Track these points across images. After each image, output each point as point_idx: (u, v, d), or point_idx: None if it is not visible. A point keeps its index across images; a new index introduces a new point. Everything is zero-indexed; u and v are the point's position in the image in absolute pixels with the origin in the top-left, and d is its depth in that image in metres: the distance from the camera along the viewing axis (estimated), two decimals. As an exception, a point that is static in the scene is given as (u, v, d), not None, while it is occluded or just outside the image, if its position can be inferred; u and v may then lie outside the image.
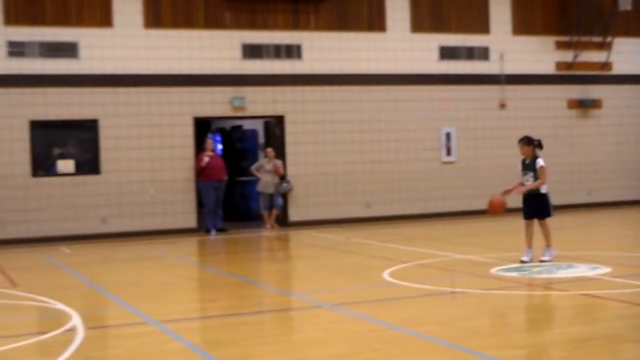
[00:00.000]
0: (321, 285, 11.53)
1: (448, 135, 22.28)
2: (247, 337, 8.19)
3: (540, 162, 12.30)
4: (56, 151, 19.21)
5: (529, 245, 12.39)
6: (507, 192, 12.55)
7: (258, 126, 23.10)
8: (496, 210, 12.51)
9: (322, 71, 21.00)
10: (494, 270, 11.82)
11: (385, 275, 11.70)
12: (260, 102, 20.54)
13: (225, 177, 19.96)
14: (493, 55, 22.64)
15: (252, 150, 23.36)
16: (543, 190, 12.36)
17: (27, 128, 18.67)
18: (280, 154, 20.69)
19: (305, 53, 20.86)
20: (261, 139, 23.08)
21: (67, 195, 18.94)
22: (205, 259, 16.48)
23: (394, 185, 21.68)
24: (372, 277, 11.76)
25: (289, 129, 20.78)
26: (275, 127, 21.23)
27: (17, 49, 18.61)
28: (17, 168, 18.56)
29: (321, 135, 21.02)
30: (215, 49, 20.09)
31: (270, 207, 20.43)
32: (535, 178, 12.33)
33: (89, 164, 19.32)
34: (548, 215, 12.38)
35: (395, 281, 11.14)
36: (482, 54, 22.56)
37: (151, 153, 19.55)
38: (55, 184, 18.90)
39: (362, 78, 21.33)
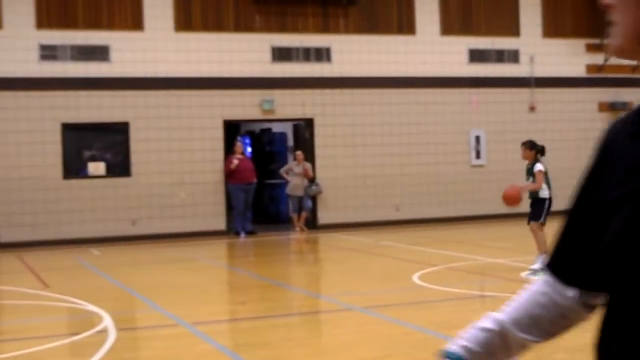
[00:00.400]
0: (351, 288, 11.54)
1: (477, 138, 22.21)
2: (277, 340, 8.22)
3: (538, 166, 12.14)
4: (87, 154, 19.37)
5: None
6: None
7: (287, 129, 23.14)
8: (512, 201, 12.08)
9: (352, 74, 21.01)
10: (524, 274, 11.77)
11: (415, 278, 11.69)
12: (290, 105, 20.58)
13: (255, 180, 20.01)
14: (523, 58, 22.54)
15: (281, 153, 23.41)
16: (543, 195, 12.16)
17: (59, 131, 18.83)
18: (310, 156, 20.72)
19: (334, 56, 20.88)
20: (290, 141, 23.12)
21: (97, 198, 19.08)
22: (235, 261, 16.54)
23: (423, 188, 21.63)
24: (402, 280, 11.75)
25: (318, 131, 20.80)
26: (304, 130, 21.26)
27: (49, 52, 18.78)
28: (49, 170, 18.72)
29: (350, 138, 21.02)
30: (245, 52, 20.16)
31: (300, 210, 20.46)
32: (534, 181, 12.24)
33: (119, 167, 19.45)
34: (535, 220, 12.01)
35: (425, 284, 11.13)
36: (512, 56, 22.47)
37: (181, 156, 19.65)
38: (86, 186, 19.05)
39: (392, 81, 21.31)
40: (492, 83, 22.20)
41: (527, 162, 12.43)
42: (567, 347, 7.60)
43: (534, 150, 12.29)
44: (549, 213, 11.92)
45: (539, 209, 12.01)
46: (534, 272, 11.43)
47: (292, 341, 8.23)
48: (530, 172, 12.25)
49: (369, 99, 21.16)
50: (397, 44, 21.41)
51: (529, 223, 12.26)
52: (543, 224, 11.90)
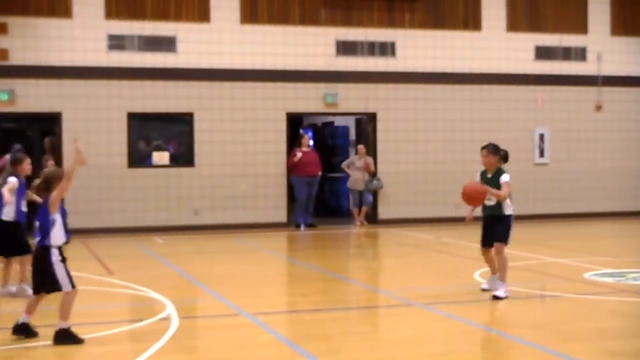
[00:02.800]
0: (411, 283, 11.52)
1: (542, 137, 21.97)
2: (337, 333, 8.25)
3: (505, 177, 10.02)
4: (152, 143, 19.62)
5: (493, 270, 10.37)
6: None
7: (349, 123, 23.16)
8: (474, 200, 10.05)
9: (416, 69, 20.93)
10: (587, 275, 11.64)
11: (477, 276, 11.62)
12: (353, 99, 20.59)
13: (319, 173, 20.05)
14: (590, 55, 22.22)
15: (343, 146, 23.44)
16: (507, 211, 10.05)
17: (125, 120, 19.10)
18: (371, 151, 20.71)
19: (399, 51, 20.82)
20: (352, 135, 23.14)
21: (161, 187, 19.32)
22: (295, 253, 16.62)
23: (485, 186, 21.44)
24: (463, 278, 11.70)
25: (380, 126, 20.78)
26: (367, 124, 21.25)
27: (117, 42, 19.05)
28: (114, 158, 19.01)
29: (413, 134, 20.96)
30: (310, 45, 20.22)
31: (360, 204, 20.46)
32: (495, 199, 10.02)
33: (183, 157, 19.67)
34: (502, 240, 10.01)
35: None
36: (579, 54, 22.16)
37: (244, 147, 19.79)
38: (150, 175, 19.29)
39: (456, 77, 21.18)
40: (558, 81, 21.94)
41: (484, 170, 10.28)
42: (631, 350, 7.52)
43: (498, 155, 10.19)
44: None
45: (506, 228, 10.01)
46: (485, 290, 10.21)
47: (351, 335, 8.25)
48: (490, 183, 10.03)
49: (432, 95, 21.07)
50: (462, 40, 21.27)
51: (486, 245, 10.26)
52: (506, 244, 10.07)
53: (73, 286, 7.92)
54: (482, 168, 10.32)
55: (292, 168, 19.75)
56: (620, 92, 22.43)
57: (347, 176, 20.56)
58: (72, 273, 8.01)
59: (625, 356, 7.24)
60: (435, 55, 21.08)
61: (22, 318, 7.94)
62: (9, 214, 10.34)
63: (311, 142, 22.98)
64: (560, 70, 22.00)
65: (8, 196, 10.18)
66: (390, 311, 9.75)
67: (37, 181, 8.01)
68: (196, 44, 19.49)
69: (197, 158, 19.55)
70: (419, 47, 20.95)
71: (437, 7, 21.02)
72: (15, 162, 10.41)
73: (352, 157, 20.95)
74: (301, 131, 21.45)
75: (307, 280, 12.21)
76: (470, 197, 9.97)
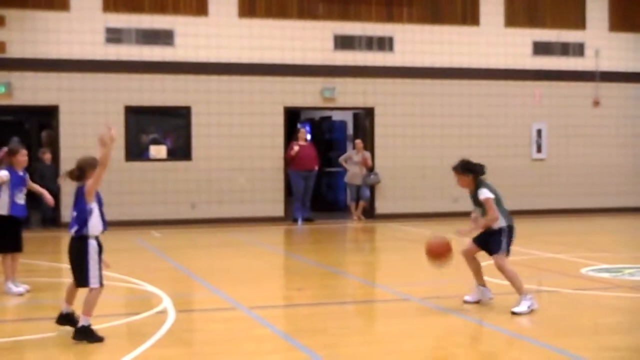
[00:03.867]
0: (407, 278, 11.53)
1: (539, 132, 21.97)
2: (333, 327, 8.25)
3: (484, 193, 9.18)
4: (149, 137, 19.60)
5: (479, 280, 9.47)
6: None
7: (347, 117, 23.15)
8: (439, 255, 9.22)
9: (414, 64, 20.92)
10: (584, 270, 11.64)
11: (473, 271, 11.60)
12: (351, 94, 20.58)
13: (316, 167, 20.05)
14: (588, 51, 22.21)
15: (340, 141, 23.42)
16: (496, 226, 9.13)
17: (122, 113, 19.08)
18: (369, 145, 20.70)
19: (397, 45, 20.80)
20: (350, 130, 23.13)
21: (158, 180, 19.30)
22: (292, 247, 16.62)
23: (483, 181, 21.45)
24: (460, 273, 11.68)
25: (378, 121, 20.77)
26: (364, 118, 21.24)
27: (114, 36, 19.02)
28: (112, 152, 18.90)
29: (410, 129, 20.95)
30: (308, 39, 20.20)
31: (357, 199, 20.47)
32: (485, 214, 9.20)
33: (180, 150, 19.66)
34: (496, 251, 9.10)
35: (482, 277, 11.05)
36: (577, 50, 22.15)
37: (242, 141, 19.78)
38: (147, 169, 19.28)
39: (454, 72, 21.17)
40: (556, 76, 21.94)
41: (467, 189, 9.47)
42: (628, 345, 7.52)
43: (471, 174, 9.34)
44: (511, 242, 9.20)
45: (496, 238, 9.12)
46: (515, 314, 8.76)
47: (348, 329, 8.26)
48: (475, 203, 9.35)
49: (430, 90, 21.06)
50: (460, 35, 21.26)
51: (476, 249, 9.43)
52: (507, 254, 9.18)
53: (101, 283, 7.78)
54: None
55: (290, 162, 19.75)
56: (618, 87, 22.43)
57: (345, 171, 20.56)
58: (69, 266, 7.98)
59: (623, 351, 7.24)
60: (434, 50, 21.07)
61: (64, 308, 7.90)
62: (2, 208, 10.19)
63: (309, 136, 22.95)
64: (558, 65, 22.00)
65: None
66: (387, 306, 9.75)
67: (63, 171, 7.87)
68: (194, 37, 19.47)
69: (195, 152, 19.53)
70: (417, 42, 20.94)
71: (435, 1, 21.00)
72: (10, 153, 10.28)
73: (350, 151, 20.94)
74: (298, 125, 21.43)
75: (304, 274, 12.21)
76: (437, 254, 9.14)
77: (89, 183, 7.66)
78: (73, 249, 7.80)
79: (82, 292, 7.82)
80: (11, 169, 10.20)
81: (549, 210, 21.74)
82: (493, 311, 8.92)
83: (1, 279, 10.47)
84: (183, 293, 10.45)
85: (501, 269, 9.05)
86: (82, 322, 7.59)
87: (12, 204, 10.18)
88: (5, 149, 10.45)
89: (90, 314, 7.62)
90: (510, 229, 9.14)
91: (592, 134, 22.29)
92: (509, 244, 9.14)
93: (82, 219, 7.66)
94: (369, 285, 11.42)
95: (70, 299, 7.90)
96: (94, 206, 7.72)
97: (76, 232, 7.71)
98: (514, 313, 8.69)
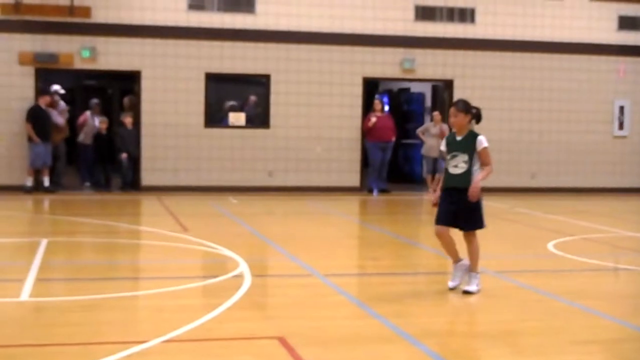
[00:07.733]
0: (484, 252, 11.43)
1: (622, 109, 21.53)
2: (407, 297, 8.27)
3: (482, 141, 8.32)
4: (228, 104, 19.79)
5: (455, 257, 8.60)
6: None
7: (425, 89, 23.00)
8: None
9: (495, 36, 20.65)
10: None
11: (550, 246, 11.52)
12: (430, 65, 20.43)
13: (393, 139, 19.98)
14: (676, 27, 21.65)
15: (418, 113, 23.30)
16: (475, 199, 8.35)
17: (202, 80, 19.27)
18: (447, 118, 20.51)
19: (478, 17, 20.56)
20: (428, 102, 22.98)
21: (236, 147, 19.48)
22: (367, 217, 16.65)
23: (561, 157, 21.19)
24: (537, 248, 11.61)
25: (457, 93, 20.58)
26: (443, 91, 21.08)
27: (197, 2, 19.17)
28: (192, 118, 19.21)
29: (488, 102, 20.71)
30: (389, 9, 20.08)
31: (434, 171, 20.36)
32: (470, 164, 8.34)
33: (259, 118, 19.80)
34: (479, 227, 8.45)
35: (560, 253, 10.97)
36: (665, 25, 21.61)
37: (320, 110, 19.83)
38: (226, 136, 19.47)
39: (536, 45, 20.85)
40: (641, 52, 21.46)
41: (453, 132, 8.57)
42: None
43: (470, 114, 8.42)
44: None
45: (478, 214, 8.41)
46: (469, 293, 8.29)
47: (422, 299, 8.26)
48: (459, 148, 8.41)
49: (510, 63, 20.79)
50: (543, 8, 20.90)
51: (443, 222, 8.55)
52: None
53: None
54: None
55: (367, 133, 19.73)
56: None
57: (422, 143, 20.45)
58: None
59: None
60: (516, 23, 20.77)
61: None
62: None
63: (387, 108, 22.87)
64: (644, 41, 21.49)
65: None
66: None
67: None
68: (275, 5, 19.51)
69: (273, 120, 19.65)
70: (499, 14, 20.66)
71: (520, -27, 20.67)
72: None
73: (428, 123, 20.81)
74: (376, 96, 21.35)
75: (379, 244, 12.25)
76: None
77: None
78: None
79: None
80: None
81: (630, 188, 21.35)
82: (569, 287, 8.84)
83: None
84: (259, 258, 10.58)
85: (471, 242, 8.46)
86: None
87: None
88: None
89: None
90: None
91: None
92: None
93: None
94: (443, 256, 11.38)
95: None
96: None
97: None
98: (467, 292, 8.25)
